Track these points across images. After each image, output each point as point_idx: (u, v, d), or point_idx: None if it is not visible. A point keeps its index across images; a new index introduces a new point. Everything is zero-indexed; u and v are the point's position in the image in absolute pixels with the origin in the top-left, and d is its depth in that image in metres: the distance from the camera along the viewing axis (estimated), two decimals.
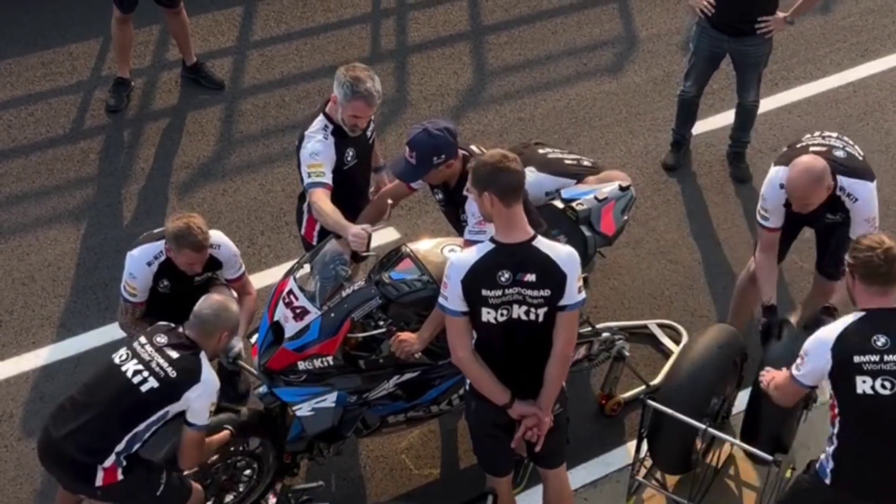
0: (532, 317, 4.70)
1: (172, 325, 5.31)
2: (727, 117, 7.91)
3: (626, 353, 6.22)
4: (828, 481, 4.80)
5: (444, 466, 6.05)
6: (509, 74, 8.55)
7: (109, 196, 7.48)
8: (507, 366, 4.83)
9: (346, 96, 5.60)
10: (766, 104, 7.96)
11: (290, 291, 5.42)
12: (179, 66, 8.35)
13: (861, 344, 4.64)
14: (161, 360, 5.09)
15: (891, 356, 4.61)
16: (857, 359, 4.63)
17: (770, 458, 5.34)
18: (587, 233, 5.78)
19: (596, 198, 5.88)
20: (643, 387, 6.33)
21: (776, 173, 5.61)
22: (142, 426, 5.07)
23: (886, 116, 8.27)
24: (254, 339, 5.56)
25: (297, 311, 5.34)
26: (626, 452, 6.06)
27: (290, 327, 5.34)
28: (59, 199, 7.45)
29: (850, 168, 5.56)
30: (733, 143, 7.73)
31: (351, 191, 5.93)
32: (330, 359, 5.28)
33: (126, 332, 6.02)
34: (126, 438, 5.05)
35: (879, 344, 4.62)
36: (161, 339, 5.18)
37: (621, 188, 5.97)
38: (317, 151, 5.69)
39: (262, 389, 5.47)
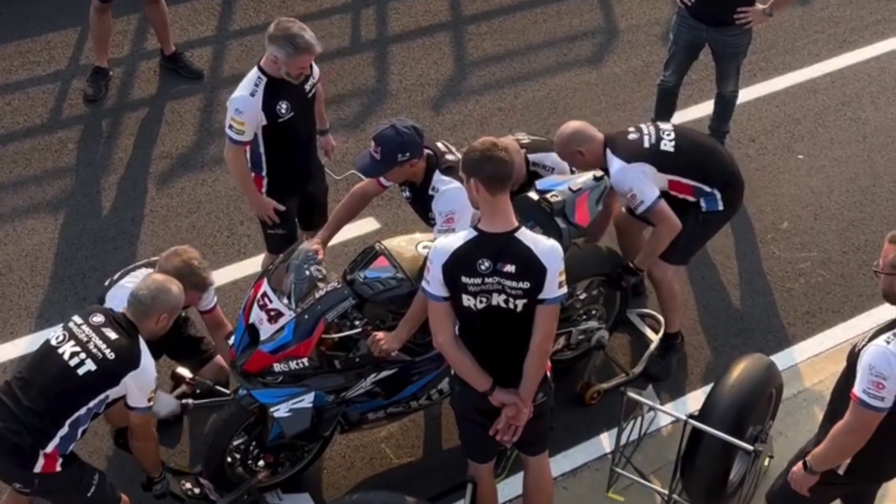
0: (511, 305, 4.70)
1: (108, 306, 5.22)
2: (706, 108, 7.93)
3: (606, 343, 6.25)
4: None
5: (424, 455, 6.05)
6: (489, 64, 8.54)
7: (87, 186, 7.44)
8: (489, 352, 4.83)
9: (290, 54, 5.71)
10: (745, 95, 7.97)
11: (265, 294, 5.41)
12: (158, 55, 8.31)
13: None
14: (99, 342, 4.95)
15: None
16: None
17: (750, 448, 5.37)
18: (562, 224, 5.76)
19: (570, 188, 5.86)
20: (623, 376, 6.36)
21: None
22: (82, 411, 4.93)
23: (863, 107, 8.30)
24: (231, 340, 5.56)
25: (272, 313, 5.34)
26: (605, 441, 6.09)
27: (265, 330, 5.34)
28: (36, 189, 7.40)
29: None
30: (712, 134, 7.73)
31: (294, 143, 6.02)
32: (305, 360, 5.29)
33: None
34: (69, 423, 4.92)
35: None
36: (97, 319, 5.04)
37: (595, 178, 5.95)
38: (241, 109, 5.85)
39: (241, 391, 5.47)
